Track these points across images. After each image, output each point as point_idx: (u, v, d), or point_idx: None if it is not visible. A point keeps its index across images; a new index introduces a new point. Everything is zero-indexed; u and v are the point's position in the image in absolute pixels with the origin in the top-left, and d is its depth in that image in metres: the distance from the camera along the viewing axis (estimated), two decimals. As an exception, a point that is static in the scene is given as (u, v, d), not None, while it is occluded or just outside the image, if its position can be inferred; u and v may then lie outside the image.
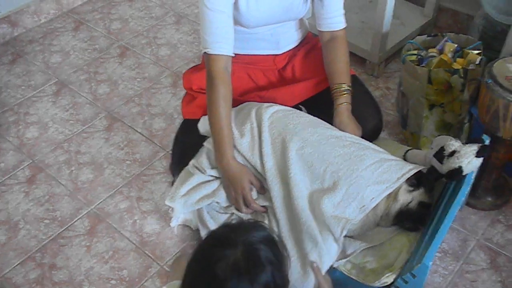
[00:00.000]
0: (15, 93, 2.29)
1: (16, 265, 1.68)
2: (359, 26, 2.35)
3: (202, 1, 1.46)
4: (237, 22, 1.54)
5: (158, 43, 2.53)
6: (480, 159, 1.37)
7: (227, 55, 1.51)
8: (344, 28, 1.64)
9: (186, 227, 1.72)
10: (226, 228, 1.11)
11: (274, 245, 1.07)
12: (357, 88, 1.67)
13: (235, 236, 1.03)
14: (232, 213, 1.56)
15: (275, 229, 1.44)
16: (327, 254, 1.35)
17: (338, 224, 1.35)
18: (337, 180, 1.39)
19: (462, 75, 1.68)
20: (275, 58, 1.73)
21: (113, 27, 2.64)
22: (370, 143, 1.53)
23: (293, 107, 1.63)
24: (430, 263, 1.21)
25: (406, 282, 1.28)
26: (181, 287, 1.05)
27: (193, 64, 2.20)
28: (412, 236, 1.41)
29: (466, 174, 1.39)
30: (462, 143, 1.39)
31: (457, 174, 1.37)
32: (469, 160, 1.35)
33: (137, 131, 2.10)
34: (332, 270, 1.39)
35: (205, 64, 1.53)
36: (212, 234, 1.10)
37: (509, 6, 1.88)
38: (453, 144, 1.38)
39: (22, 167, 1.98)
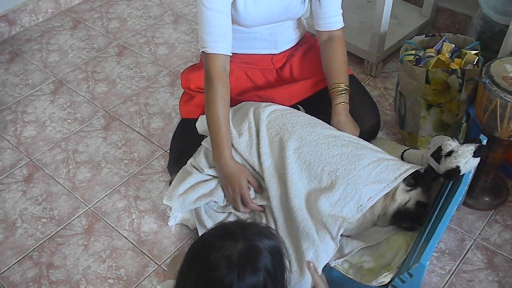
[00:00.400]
0: (12, 92, 2.28)
1: (13, 264, 1.67)
2: (357, 26, 2.35)
3: (200, 0, 1.46)
4: (235, 21, 1.54)
5: (156, 42, 2.53)
6: (477, 159, 1.37)
7: (225, 55, 1.51)
8: (342, 28, 1.64)
9: (183, 226, 1.72)
10: (236, 223, 1.11)
11: (278, 256, 1.06)
12: (355, 88, 1.67)
13: (241, 233, 1.03)
14: (230, 213, 1.56)
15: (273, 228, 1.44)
16: (324, 252, 1.35)
17: (335, 222, 1.35)
18: (335, 180, 1.40)
19: (460, 75, 1.68)
20: (273, 58, 1.73)
21: (111, 26, 2.64)
22: (368, 143, 1.53)
23: (291, 106, 1.63)
24: (427, 262, 1.21)
25: (403, 282, 1.28)
26: (180, 267, 1.06)
27: (191, 64, 2.21)
28: (410, 235, 1.41)
29: (464, 174, 1.39)
30: (460, 143, 1.40)
31: (454, 174, 1.37)
32: (466, 160, 1.35)
33: (135, 130, 2.10)
34: (329, 270, 1.39)
35: (203, 63, 1.53)
36: (221, 225, 1.11)
37: (507, 7, 1.89)
38: (451, 144, 1.39)
39: (19, 166, 1.98)
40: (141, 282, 1.61)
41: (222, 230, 1.07)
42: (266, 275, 1.00)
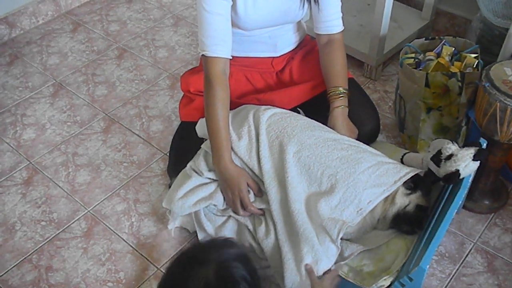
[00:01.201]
0: (12, 95, 2.28)
1: (13, 267, 1.67)
2: (357, 29, 2.35)
3: (200, 4, 1.47)
4: (235, 24, 1.54)
5: (156, 45, 2.53)
6: (477, 163, 1.37)
7: (225, 58, 1.51)
8: (341, 31, 1.64)
9: (183, 229, 1.72)
10: (197, 247, 1.11)
11: (248, 261, 1.08)
12: (355, 91, 1.67)
13: (206, 255, 1.04)
14: (229, 216, 1.56)
15: (272, 231, 1.44)
16: (324, 256, 1.35)
17: (335, 226, 1.35)
18: (334, 183, 1.40)
19: (460, 79, 1.68)
20: (273, 61, 1.73)
21: (111, 28, 2.64)
22: (368, 146, 1.53)
23: (290, 110, 1.63)
24: (427, 266, 1.21)
25: (403, 286, 1.28)
26: None
27: (191, 67, 2.21)
28: (409, 239, 1.41)
29: (463, 178, 1.39)
30: (459, 147, 1.40)
31: (454, 178, 1.37)
32: (466, 163, 1.35)
33: (134, 133, 2.09)
34: (329, 273, 1.39)
35: (203, 66, 1.53)
36: (184, 254, 1.11)
37: (507, 10, 1.89)
38: (450, 147, 1.39)
39: (19, 169, 1.97)
40: (141, 285, 1.61)
41: (187, 260, 1.06)
42: (244, 283, 1.02)
